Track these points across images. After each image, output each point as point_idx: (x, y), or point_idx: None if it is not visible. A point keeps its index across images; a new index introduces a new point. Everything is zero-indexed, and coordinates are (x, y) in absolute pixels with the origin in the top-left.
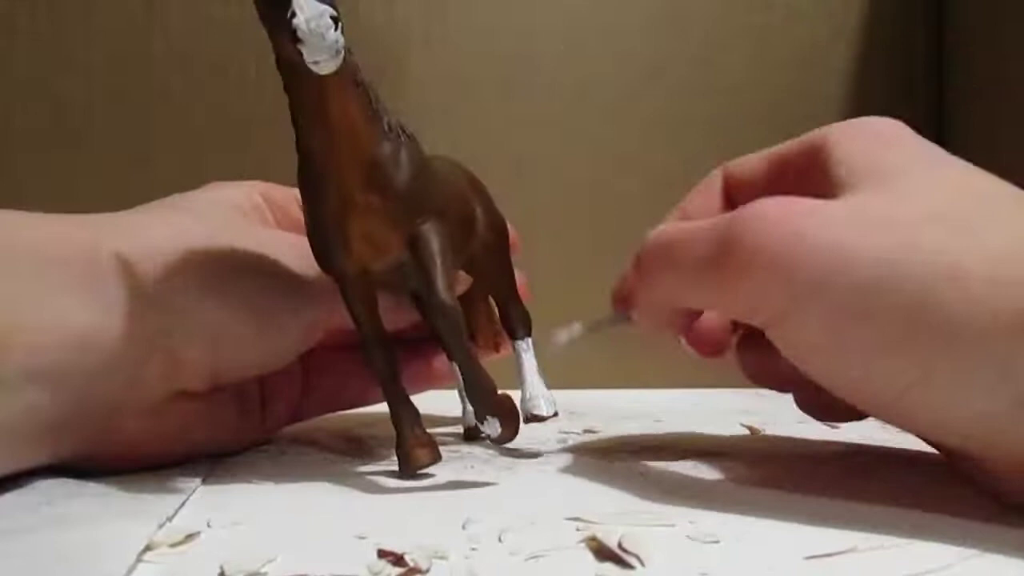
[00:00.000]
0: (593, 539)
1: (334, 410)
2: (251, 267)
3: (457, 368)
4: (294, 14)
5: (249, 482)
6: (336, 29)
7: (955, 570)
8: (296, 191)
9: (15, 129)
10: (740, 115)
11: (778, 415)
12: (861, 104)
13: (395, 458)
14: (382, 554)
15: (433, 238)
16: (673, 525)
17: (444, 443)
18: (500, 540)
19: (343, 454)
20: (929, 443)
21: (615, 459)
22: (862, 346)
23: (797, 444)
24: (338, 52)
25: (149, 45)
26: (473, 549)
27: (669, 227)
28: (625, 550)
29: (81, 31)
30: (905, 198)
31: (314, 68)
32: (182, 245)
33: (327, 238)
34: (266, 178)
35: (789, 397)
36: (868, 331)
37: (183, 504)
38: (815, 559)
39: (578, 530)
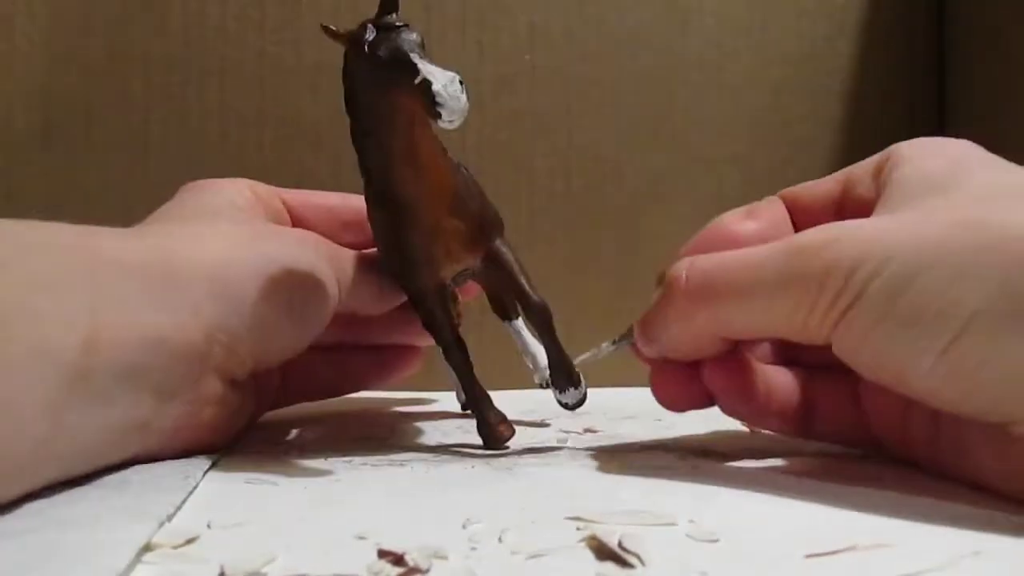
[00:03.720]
0: (593, 538)
1: (305, 400)
2: (287, 263)
3: (543, 350)
4: (428, 82)
5: (250, 482)
6: (463, 92)
7: (955, 567)
8: (278, 189)
9: (15, 129)
10: (740, 113)
11: None
12: (861, 103)
13: (396, 458)
14: (382, 554)
15: (507, 251)
16: (673, 524)
17: (442, 443)
18: (500, 540)
19: (344, 454)
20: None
21: (616, 458)
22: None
23: (798, 443)
24: (466, 112)
25: (149, 45)
26: (473, 549)
27: (713, 256)
28: (625, 549)
29: (81, 31)
30: (965, 196)
31: (446, 126)
32: (232, 249)
33: (415, 259)
34: (266, 176)
35: None
36: None
37: (182, 504)
38: (815, 557)
39: (578, 529)
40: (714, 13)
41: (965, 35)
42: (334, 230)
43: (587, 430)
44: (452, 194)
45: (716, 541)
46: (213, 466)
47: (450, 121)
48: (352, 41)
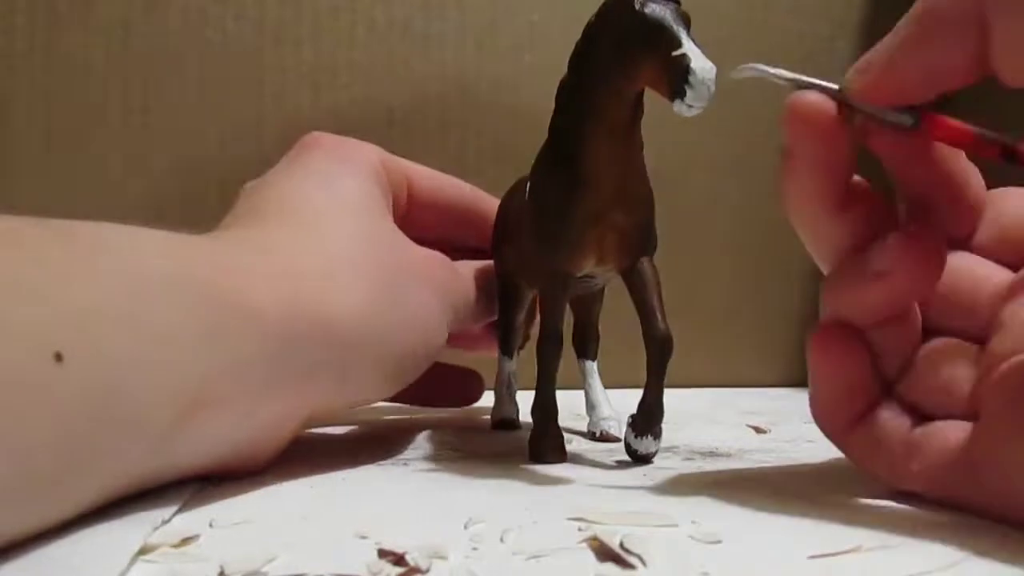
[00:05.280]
0: (595, 539)
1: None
2: (415, 325)
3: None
4: (688, 58)
5: (251, 481)
6: (714, 86)
7: (958, 569)
8: (406, 167)
9: (15, 129)
10: (739, 113)
11: (784, 415)
12: None
13: (398, 457)
14: (383, 554)
15: (652, 273)
16: (675, 525)
17: (445, 443)
18: (502, 540)
19: (347, 453)
20: None
21: (618, 460)
22: None
23: (803, 444)
24: (708, 103)
25: (149, 45)
26: (474, 549)
27: None
28: (627, 550)
29: (81, 31)
30: None
31: (683, 111)
32: (368, 310)
33: (566, 237)
34: None
35: (792, 397)
36: None
37: (181, 507)
38: (818, 558)
39: (580, 530)
40: (714, 13)
41: None
42: (453, 230)
43: (590, 431)
44: (630, 190)
45: (718, 542)
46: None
47: (690, 106)
48: None
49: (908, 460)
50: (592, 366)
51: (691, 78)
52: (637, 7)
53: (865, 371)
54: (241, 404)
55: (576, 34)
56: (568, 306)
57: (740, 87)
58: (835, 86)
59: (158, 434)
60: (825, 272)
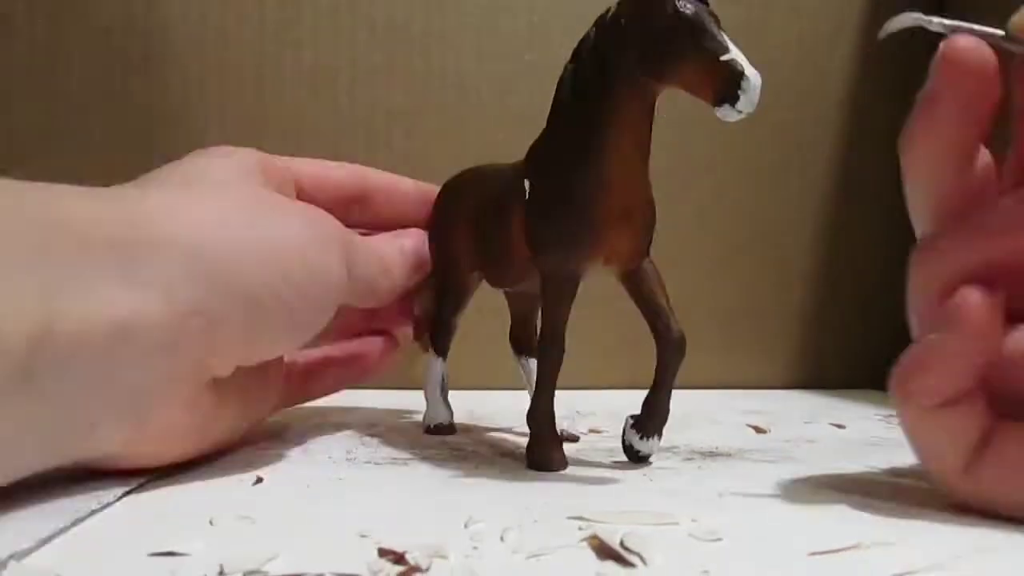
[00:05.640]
0: (595, 538)
1: (303, 400)
2: (286, 241)
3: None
4: (739, 64)
5: (250, 481)
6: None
7: (958, 565)
8: (290, 160)
9: (15, 129)
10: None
11: (784, 416)
12: (861, 103)
13: (398, 456)
14: (383, 553)
15: (658, 274)
16: (676, 523)
17: (445, 443)
18: (502, 539)
19: (346, 452)
20: None
21: (618, 459)
22: None
23: (803, 444)
24: (750, 112)
25: (149, 45)
26: (475, 548)
27: None
28: (627, 549)
29: (81, 31)
30: None
31: (730, 116)
32: (222, 221)
33: (582, 237)
34: None
35: (792, 397)
36: None
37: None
38: (818, 555)
39: (580, 529)
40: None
41: None
42: (344, 210)
43: (591, 430)
44: (643, 192)
45: (719, 540)
46: (211, 465)
47: (739, 111)
48: None
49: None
50: (530, 361)
51: (744, 83)
52: (674, 8)
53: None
54: (92, 321)
55: (576, 34)
56: (508, 302)
57: None
58: (1000, 32)
59: (15, 361)
60: (920, 231)
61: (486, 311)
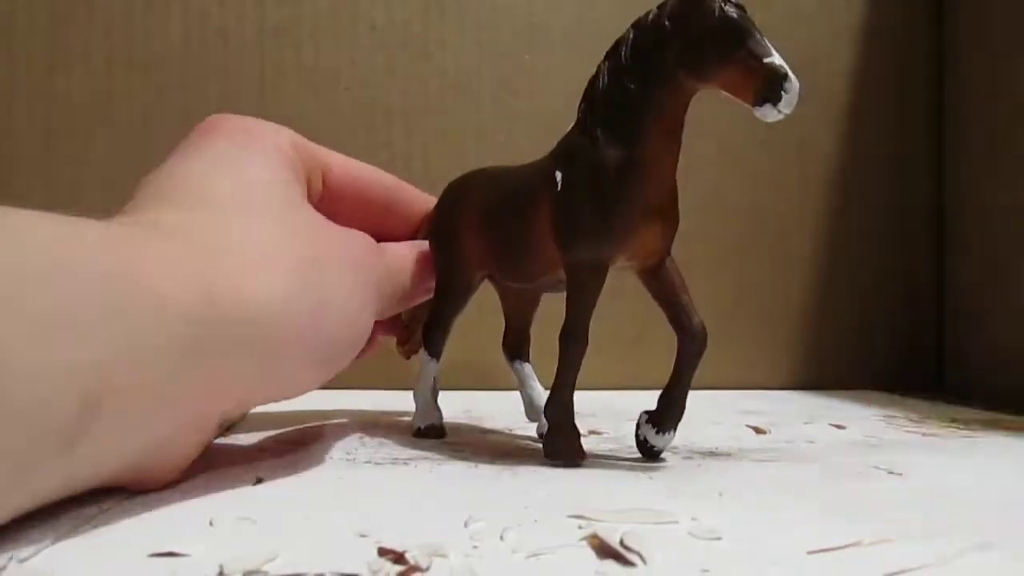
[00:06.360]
0: (595, 537)
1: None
2: (339, 307)
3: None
4: (782, 67)
5: (251, 480)
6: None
7: (957, 563)
8: (320, 153)
9: (15, 129)
10: (740, 115)
11: (784, 416)
12: (861, 104)
13: (398, 456)
14: (383, 552)
15: (679, 272)
16: (676, 522)
17: (445, 442)
18: (502, 538)
19: (346, 452)
20: None
21: (619, 458)
22: None
23: (802, 444)
24: (787, 113)
25: (149, 45)
26: (474, 547)
27: None
28: (627, 547)
29: (81, 31)
30: None
31: (771, 115)
32: (284, 293)
33: (615, 227)
34: None
35: (792, 398)
36: None
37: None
38: (818, 553)
39: (580, 528)
40: None
41: (964, 37)
42: (370, 217)
43: (591, 431)
44: (674, 190)
45: (718, 538)
46: (208, 464)
47: (779, 112)
48: None
49: None
50: (530, 368)
51: (787, 85)
52: (721, 11)
53: None
54: (150, 393)
55: (576, 34)
56: (504, 306)
57: None
58: None
59: (62, 429)
60: None
61: (486, 311)
